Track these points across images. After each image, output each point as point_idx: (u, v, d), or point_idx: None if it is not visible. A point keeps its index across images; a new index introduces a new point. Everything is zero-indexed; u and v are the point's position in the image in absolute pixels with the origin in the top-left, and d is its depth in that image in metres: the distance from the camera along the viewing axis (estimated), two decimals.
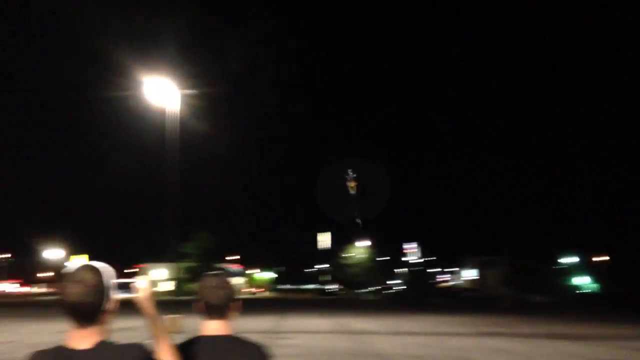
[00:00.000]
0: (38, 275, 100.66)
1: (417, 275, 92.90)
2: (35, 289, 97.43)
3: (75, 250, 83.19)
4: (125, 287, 1.98)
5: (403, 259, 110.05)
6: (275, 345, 14.80)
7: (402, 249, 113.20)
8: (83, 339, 1.80)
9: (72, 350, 1.79)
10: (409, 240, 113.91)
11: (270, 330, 20.25)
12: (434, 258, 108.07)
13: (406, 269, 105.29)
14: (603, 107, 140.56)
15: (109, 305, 1.88)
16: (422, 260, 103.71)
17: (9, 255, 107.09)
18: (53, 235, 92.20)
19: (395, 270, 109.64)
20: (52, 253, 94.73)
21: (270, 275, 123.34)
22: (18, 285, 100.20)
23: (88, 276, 1.82)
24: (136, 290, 2.00)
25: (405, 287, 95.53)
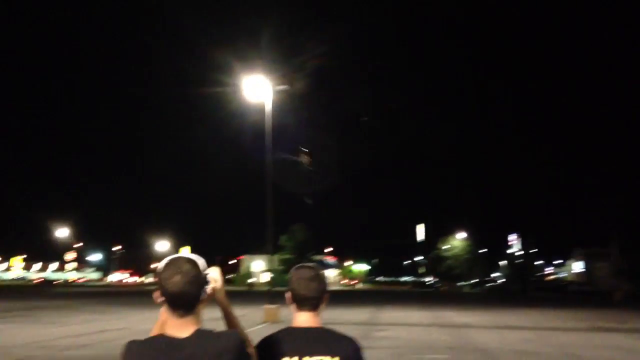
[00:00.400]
0: (148, 266, 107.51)
1: (519, 268, 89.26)
2: (144, 279, 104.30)
3: (180, 242, 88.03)
4: None
5: (507, 251, 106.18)
6: (372, 337, 14.76)
7: (504, 240, 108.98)
8: (182, 327, 1.84)
9: (172, 338, 1.83)
10: (510, 231, 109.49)
11: (367, 322, 20.26)
12: (537, 250, 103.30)
13: (507, 261, 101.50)
14: None
15: (205, 295, 1.90)
16: (523, 252, 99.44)
17: (120, 247, 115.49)
18: (161, 228, 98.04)
19: (497, 262, 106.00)
20: (160, 245, 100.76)
21: (364, 267, 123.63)
22: (128, 275, 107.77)
23: (187, 267, 1.86)
24: (212, 281, 2.01)
25: (506, 279, 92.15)
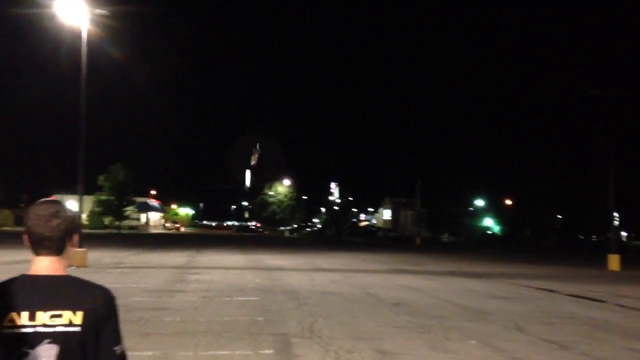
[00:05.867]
0: None
1: (337, 214, 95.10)
2: None
3: None
4: None
5: (329, 198, 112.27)
6: (185, 281, 14.60)
7: (326, 188, 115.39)
8: None
9: None
10: (331, 180, 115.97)
11: (183, 265, 19.99)
12: (353, 198, 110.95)
13: (327, 208, 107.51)
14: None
15: None
16: (341, 199, 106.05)
17: None
18: None
19: (318, 208, 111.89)
20: None
21: (189, 211, 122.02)
22: None
23: None
24: None
25: (323, 225, 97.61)
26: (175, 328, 8.23)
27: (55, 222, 1.85)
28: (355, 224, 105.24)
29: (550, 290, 15.22)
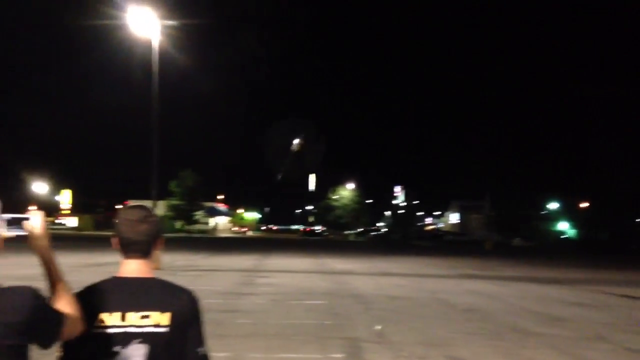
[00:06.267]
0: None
1: (402, 218, 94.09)
2: None
3: (59, 184, 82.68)
4: (15, 223, 1.67)
5: (392, 202, 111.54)
6: (254, 284, 14.84)
7: (390, 191, 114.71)
8: None
9: None
10: (396, 183, 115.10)
11: (251, 268, 20.33)
12: (418, 202, 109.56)
13: (391, 212, 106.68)
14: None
15: None
16: (406, 203, 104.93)
17: None
18: (37, 168, 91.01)
19: (382, 212, 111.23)
20: (38, 186, 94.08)
21: (255, 215, 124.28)
22: None
23: None
24: (28, 228, 1.70)
25: (389, 229, 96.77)
26: (247, 330, 8.38)
27: (143, 226, 1.92)
28: (422, 228, 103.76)
29: (634, 297, 14.39)
